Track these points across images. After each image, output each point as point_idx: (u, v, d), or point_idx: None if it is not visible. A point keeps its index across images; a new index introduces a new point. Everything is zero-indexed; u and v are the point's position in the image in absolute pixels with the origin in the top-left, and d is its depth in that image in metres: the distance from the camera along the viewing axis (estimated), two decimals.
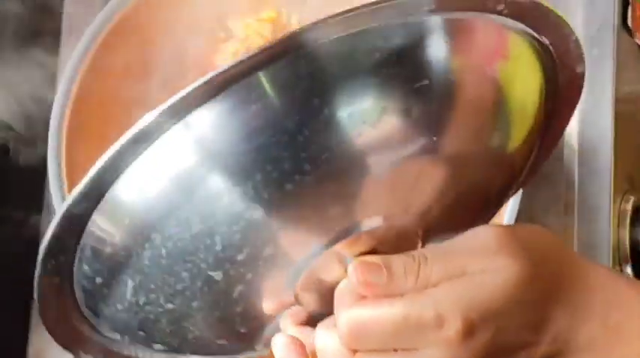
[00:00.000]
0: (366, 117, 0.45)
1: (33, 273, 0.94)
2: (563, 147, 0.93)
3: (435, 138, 0.48)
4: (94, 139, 0.80)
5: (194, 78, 0.87)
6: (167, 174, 0.45)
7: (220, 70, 0.43)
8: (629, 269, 0.93)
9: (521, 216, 0.78)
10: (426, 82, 0.46)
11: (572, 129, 0.93)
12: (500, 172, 0.54)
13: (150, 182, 0.46)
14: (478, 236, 0.50)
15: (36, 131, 0.83)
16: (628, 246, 0.93)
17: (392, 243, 0.50)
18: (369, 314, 0.47)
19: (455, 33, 0.48)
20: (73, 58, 0.78)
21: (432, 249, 0.50)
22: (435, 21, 0.47)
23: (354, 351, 0.48)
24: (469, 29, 0.49)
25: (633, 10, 0.97)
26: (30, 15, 0.96)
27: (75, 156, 0.79)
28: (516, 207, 0.75)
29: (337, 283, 0.50)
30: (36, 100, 0.83)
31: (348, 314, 0.48)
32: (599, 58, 0.94)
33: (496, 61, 0.50)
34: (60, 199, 0.77)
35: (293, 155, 0.44)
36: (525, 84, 0.53)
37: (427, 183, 0.49)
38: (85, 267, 0.49)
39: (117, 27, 0.79)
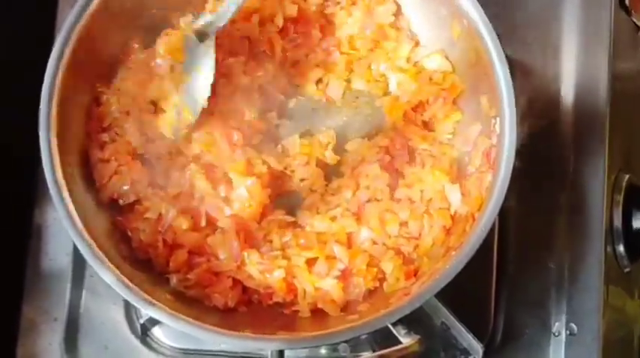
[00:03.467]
0: None
1: (24, 245, 0.94)
2: (558, 124, 0.93)
3: None
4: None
5: (182, 26, 0.86)
6: None
7: None
8: (621, 248, 0.93)
9: (513, 192, 0.78)
10: None
11: (568, 105, 0.93)
12: None
13: None
14: None
15: None
16: (621, 224, 0.93)
17: None
18: None
19: None
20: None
21: None
22: None
23: None
24: None
25: None
26: None
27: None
28: (507, 183, 0.75)
29: None
30: None
31: None
32: (596, 36, 0.94)
33: None
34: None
35: None
36: None
37: None
38: None
39: None
